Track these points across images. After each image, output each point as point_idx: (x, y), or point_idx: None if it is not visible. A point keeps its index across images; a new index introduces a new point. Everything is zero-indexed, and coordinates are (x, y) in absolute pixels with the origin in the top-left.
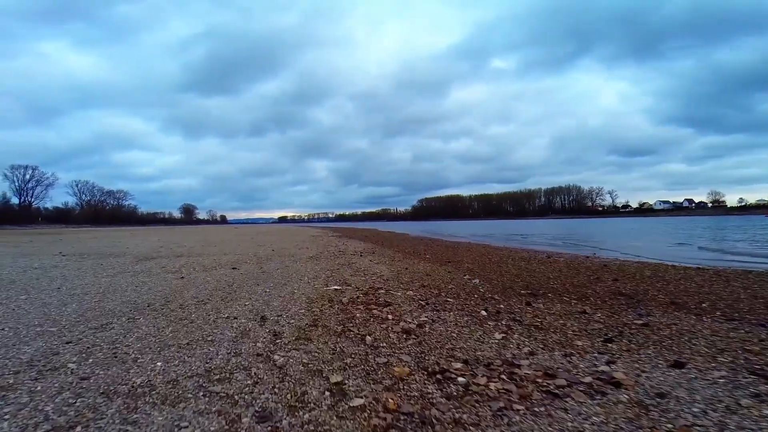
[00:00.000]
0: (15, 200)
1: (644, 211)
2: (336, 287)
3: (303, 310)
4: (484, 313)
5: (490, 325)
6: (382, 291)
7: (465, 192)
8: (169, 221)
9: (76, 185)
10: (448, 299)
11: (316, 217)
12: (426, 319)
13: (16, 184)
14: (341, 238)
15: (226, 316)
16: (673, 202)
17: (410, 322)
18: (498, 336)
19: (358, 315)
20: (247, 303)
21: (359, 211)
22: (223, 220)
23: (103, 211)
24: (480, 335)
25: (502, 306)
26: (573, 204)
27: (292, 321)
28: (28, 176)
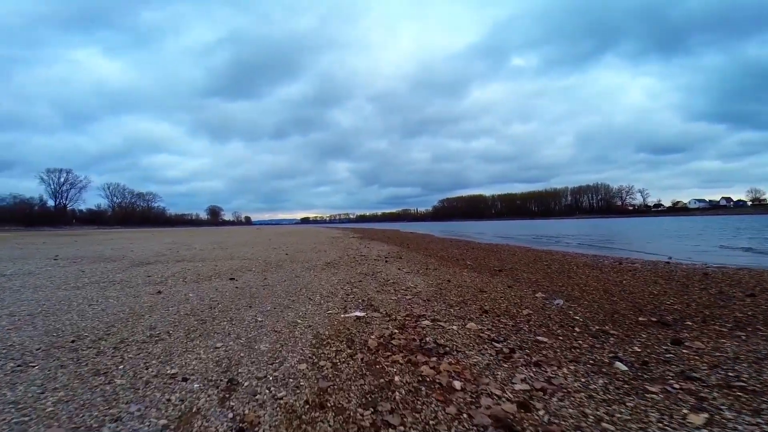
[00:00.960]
0: (51, 203)
1: (678, 209)
2: (358, 314)
3: (304, 366)
4: (620, 365)
5: (654, 393)
6: (427, 322)
7: (487, 192)
8: (196, 223)
9: (108, 188)
10: (539, 337)
11: (337, 218)
12: (526, 386)
13: (52, 187)
14: (362, 239)
15: (172, 372)
16: (710, 201)
17: (501, 397)
18: (697, 420)
19: (397, 379)
20: (219, 344)
21: (379, 212)
22: (248, 222)
23: (133, 213)
24: (651, 420)
25: (635, 347)
26: (601, 203)
27: (281, 394)
28: (62, 179)
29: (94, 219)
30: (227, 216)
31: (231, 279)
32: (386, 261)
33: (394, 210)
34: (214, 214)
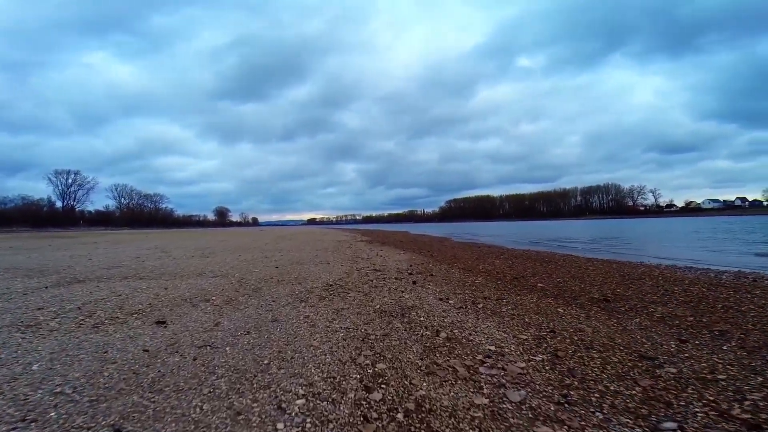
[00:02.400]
0: (59, 204)
1: (691, 210)
2: None
3: None
4: None
5: None
6: None
7: (495, 192)
8: (203, 224)
9: (116, 189)
10: None
11: (344, 218)
12: None
13: (60, 188)
14: (372, 244)
15: None
16: (724, 201)
17: None
18: None
19: None
20: None
21: (386, 213)
22: (255, 223)
23: (141, 214)
24: None
25: None
26: (612, 204)
27: None
28: (70, 180)
29: (102, 220)
30: (235, 217)
31: (159, 323)
32: (413, 281)
33: (400, 211)
34: (222, 215)
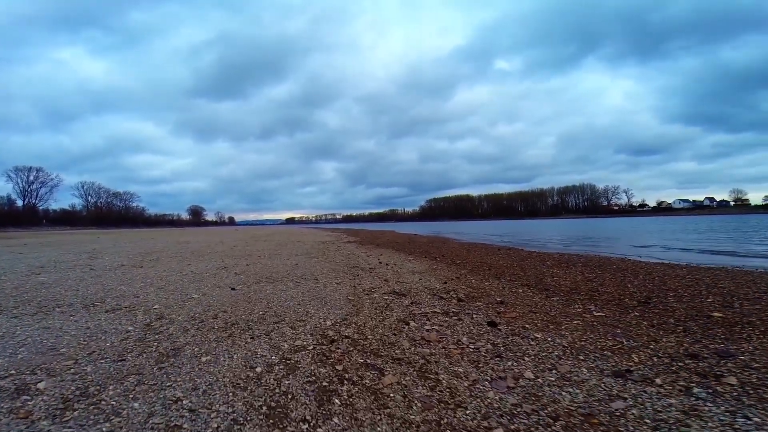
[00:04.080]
0: (20, 202)
1: (663, 210)
2: None
3: None
4: None
5: None
6: None
7: (473, 192)
8: (176, 223)
9: (83, 187)
10: None
11: (323, 218)
12: None
13: (20, 185)
14: (364, 246)
15: None
16: (693, 201)
17: None
18: None
19: None
20: None
21: (366, 212)
22: (231, 222)
23: (110, 213)
24: None
25: None
26: (587, 203)
27: None
28: (32, 178)
29: (67, 219)
30: (210, 216)
31: None
32: (490, 323)
33: (381, 210)
34: (196, 214)
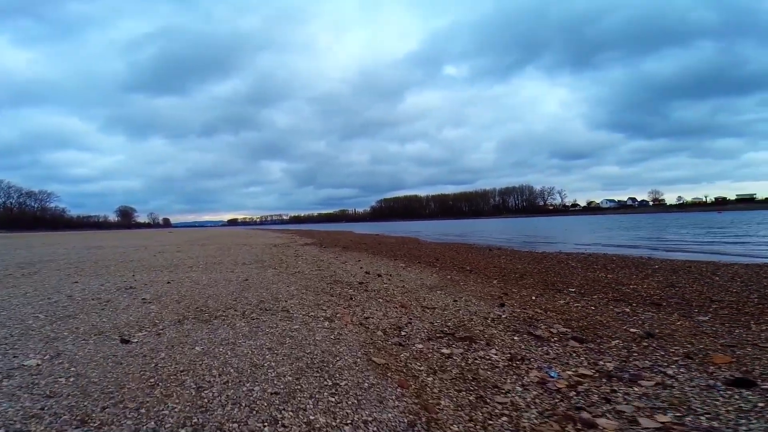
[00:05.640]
0: None
1: (592, 209)
2: None
3: None
4: None
5: None
6: None
7: (421, 192)
8: (103, 225)
9: None
10: None
11: (269, 219)
12: None
13: None
14: (327, 249)
15: None
16: (618, 201)
17: None
18: None
19: None
20: None
21: (316, 213)
22: (166, 224)
23: (23, 215)
24: None
25: None
26: (525, 204)
27: None
28: None
29: None
30: (142, 218)
31: None
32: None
33: (331, 211)
34: (126, 215)
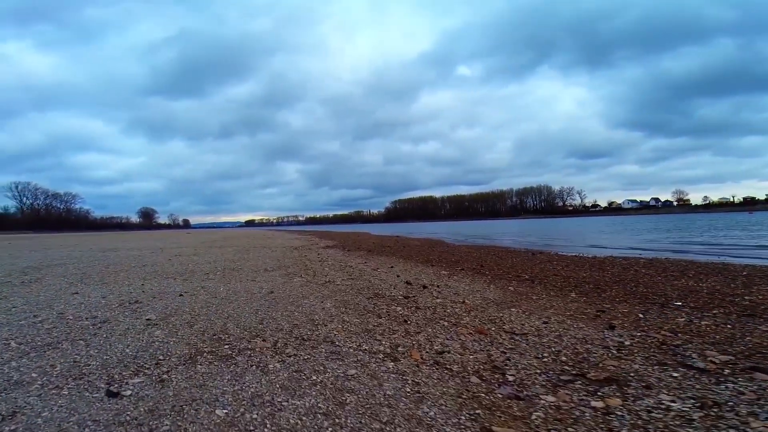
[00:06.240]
0: None
1: (614, 209)
2: None
3: None
4: None
5: None
6: None
7: (435, 193)
8: (125, 226)
9: (16, 188)
10: None
11: (285, 220)
12: None
13: None
14: (350, 252)
15: None
16: (641, 201)
17: None
18: None
19: None
20: None
21: (331, 214)
22: (186, 225)
23: (49, 216)
24: None
25: None
26: (544, 204)
27: None
28: None
29: None
30: (162, 219)
31: None
32: None
33: (346, 212)
34: (147, 216)
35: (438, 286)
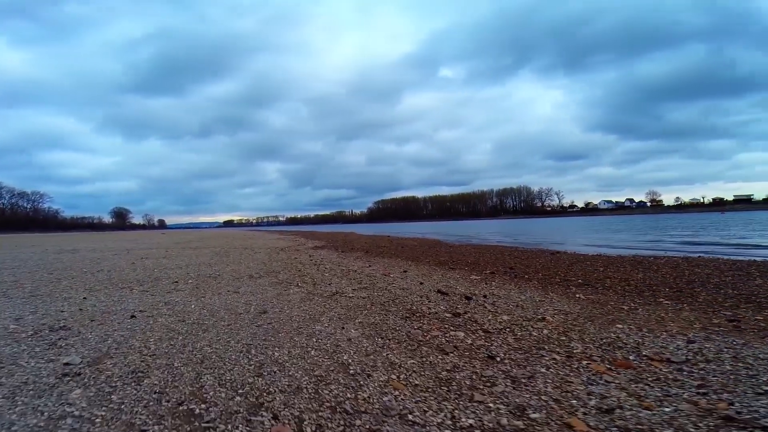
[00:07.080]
0: None
1: (590, 210)
2: None
3: None
4: None
5: None
6: None
7: (418, 194)
8: (97, 226)
9: None
10: None
11: (265, 220)
12: None
13: None
14: (346, 254)
15: None
16: (616, 202)
17: None
18: None
19: None
20: None
21: (313, 214)
22: (161, 225)
23: (14, 216)
24: None
25: None
26: (523, 205)
27: None
28: None
29: None
30: (137, 219)
31: None
32: None
33: (328, 212)
34: (120, 216)
35: (485, 296)
